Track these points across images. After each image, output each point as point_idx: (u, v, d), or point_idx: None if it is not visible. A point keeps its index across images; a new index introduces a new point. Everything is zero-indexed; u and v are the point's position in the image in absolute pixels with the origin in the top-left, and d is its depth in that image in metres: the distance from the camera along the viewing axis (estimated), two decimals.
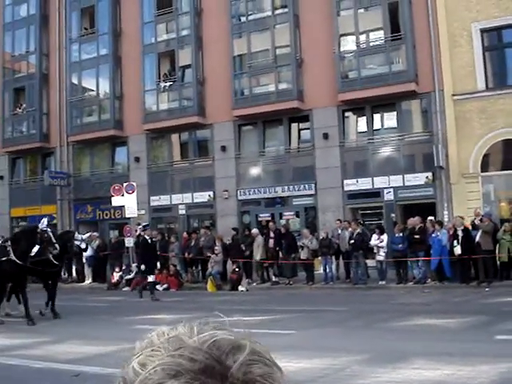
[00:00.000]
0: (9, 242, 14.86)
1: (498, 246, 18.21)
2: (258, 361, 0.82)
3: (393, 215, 21.21)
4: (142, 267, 19.27)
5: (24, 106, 30.58)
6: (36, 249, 14.65)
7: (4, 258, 14.30)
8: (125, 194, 23.52)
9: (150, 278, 19.27)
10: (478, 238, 18.25)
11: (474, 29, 21.58)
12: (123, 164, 28.87)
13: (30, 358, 9.53)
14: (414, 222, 19.80)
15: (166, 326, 0.88)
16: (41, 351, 10.33)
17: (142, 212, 25.42)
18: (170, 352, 0.80)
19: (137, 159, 27.56)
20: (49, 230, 14.91)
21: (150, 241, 19.77)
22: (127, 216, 24.14)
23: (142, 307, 16.08)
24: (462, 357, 8.20)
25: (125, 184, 24.04)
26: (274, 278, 21.59)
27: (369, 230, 21.26)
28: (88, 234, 18.88)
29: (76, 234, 16.54)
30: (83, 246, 16.89)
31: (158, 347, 0.82)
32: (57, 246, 14.47)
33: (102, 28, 28.70)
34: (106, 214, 28.13)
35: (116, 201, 24.02)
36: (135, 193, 23.50)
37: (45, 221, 15.23)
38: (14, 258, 14.20)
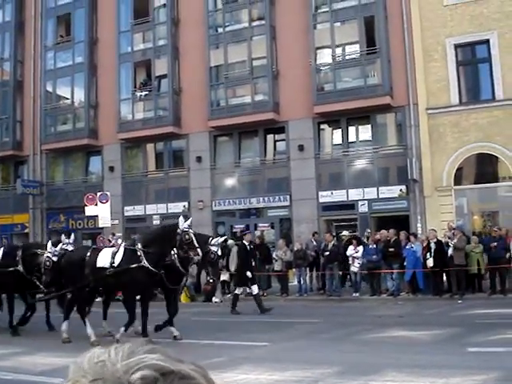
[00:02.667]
0: (139, 245, 12.11)
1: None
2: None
3: (368, 230, 21.28)
4: (248, 274, 16.63)
5: None
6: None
7: (134, 265, 11.78)
8: (98, 203, 23.32)
9: (238, 291, 17.05)
10: (450, 252, 18.40)
11: (449, 44, 21.88)
12: (97, 173, 28.63)
13: (1, 370, 9.34)
14: (385, 234, 19.91)
15: (99, 348, 0.86)
16: (12, 362, 10.14)
17: (116, 222, 25.22)
18: (92, 381, 0.79)
19: (111, 169, 27.35)
20: (191, 230, 11.99)
21: (248, 247, 17.48)
22: (100, 226, 23.93)
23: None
24: (435, 369, 8.21)
25: (98, 193, 23.85)
26: (247, 290, 21.51)
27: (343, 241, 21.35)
28: (222, 239, 15.02)
29: (212, 239, 13.63)
30: (219, 252, 13.66)
31: (85, 373, 0.81)
32: (199, 251, 11.71)
33: (77, 36, 28.51)
34: (79, 224, 27.84)
35: (89, 210, 23.80)
36: (109, 202, 23.31)
37: (183, 219, 12.15)
38: (146, 264, 11.66)
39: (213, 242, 13.10)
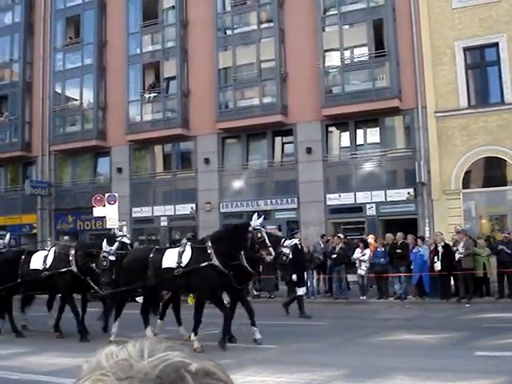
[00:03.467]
0: (209, 243, 11.42)
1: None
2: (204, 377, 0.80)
3: (371, 236, 21.21)
4: (294, 277, 16.01)
5: (6, 114, 30.34)
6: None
7: (204, 264, 11.16)
8: (106, 204, 23.35)
9: (300, 291, 16.12)
10: (457, 257, 18.32)
11: (457, 47, 21.83)
12: (105, 175, 28.71)
13: (8, 370, 9.38)
14: (390, 237, 19.85)
15: (114, 346, 0.85)
16: (18, 362, 10.18)
17: (124, 223, 25.26)
18: (120, 379, 0.78)
19: (119, 170, 27.42)
20: (263, 229, 11.40)
21: (300, 247, 16.72)
22: (108, 227, 23.94)
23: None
24: (442, 373, 8.20)
25: (106, 195, 23.88)
26: (254, 292, 21.50)
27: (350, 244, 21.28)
28: (294, 241, 14.84)
29: (284, 241, 12.94)
30: (291, 255, 12.83)
31: (106, 371, 0.80)
32: (271, 250, 11.09)
33: (87, 38, 28.62)
34: (87, 225, 27.92)
35: (97, 211, 23.84)
36: (117, 204, 23.35)
37: (256, 217, 11.49)
38: (217, 263, 11.05)
39: (286, 244, 12.56)
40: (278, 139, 25.36)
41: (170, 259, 11.58)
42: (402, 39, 22.67)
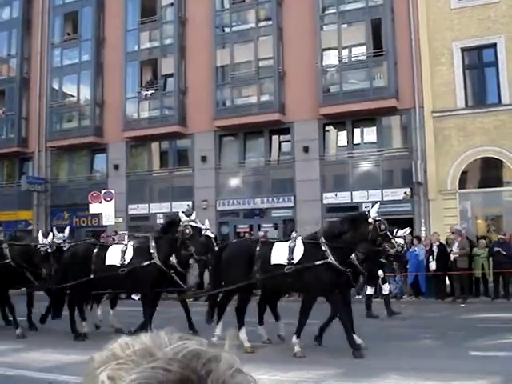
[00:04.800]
0: (322, 238, 10.24)
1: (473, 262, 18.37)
2: (233, 371, 0.80)
3: None
4: (380, 273, 14.91)
5: (3, 109, 30.26)
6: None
7: (320, 262, 10.06)
8: (103, 201, 23.34)
9: (370, 291, 15.13)
10: (452, 257, 18.37)
11: (455, 47, 21.86)
12: (102, 171, 28.66)
13: (2, 366, 9.36)
14: None
15: (127, 337, 0.85)
16: (14, 358, 10.16)
17: (120, 220, 25.25)
18: (143, 365, 0.77)
19: (116, 167, 27.39)
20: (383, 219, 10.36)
21: None
22: (104, 224, 23.96)
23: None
24: (437, 372, 8.21)
25: (103, 191, 23.88)
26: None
27: None
28: (408, 230, 13.83)
29: (397, 231, 11.99)
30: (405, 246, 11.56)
31: (125, 360, 0.79)
32: (395, 242, 10.34)
33: (84, 34, 28.57)
34: (83, 221, 27.87)
35: (93, 208, 23.83)
36: (113, 200, 23.33)
37: (376, 207, 10.48)
38: (333, 261, 10.00)
39: (399, 234, 11.61)
40: (275, 137, 25.36)
41: (279, 255, 10.48)
42: (400, 39, 22.69)
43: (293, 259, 10.24)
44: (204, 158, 25.56)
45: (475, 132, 21.28)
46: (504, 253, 18.09)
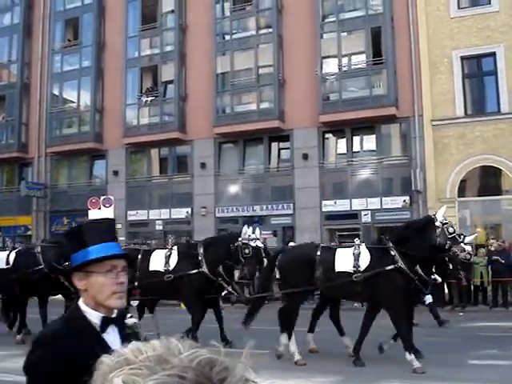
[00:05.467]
0: (390, 243, 9.91)
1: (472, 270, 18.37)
2: (245, 381, 0.82)
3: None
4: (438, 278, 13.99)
5: (3, 115, 30.29)
6: None
7: (390, 267, 9.76)
8: (102, 207, 23.34)
9: (430, 298, 14.34)
10: (451, 266, 18.34)
11: (455, 56, 21.93)
12: (101, 177, 28.67)
13: (2, 371, 9.36)
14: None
15: (139, 343, 0.86)
16: (13, 364, 10.14)
17: (119, 226, 25.23)
18: (158, 372, 0.78)
19: (115, 173, 27.40)
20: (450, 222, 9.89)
21: None
22: None
23: None
24: (435, 380, 8.22)
25: (102, 197, 23.87)
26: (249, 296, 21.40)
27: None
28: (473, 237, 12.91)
29: (465, 237, 11.00)
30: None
31: (139, 366, 0.80)
32: (465, 246, 9.85)
33: (85, 40, 28.63)
34: None
35: (93, 214, 23.80)
36: (112, 207, 23.33)
37: (442, 210, 9.99)
38: (403, 266, 9.61)
39: (467, 240, 10.88)
40: (274, 145, 25.39)
41: (345, 262, 9.96)
42: (400, 47, 22.76)
43: (359, 266, 9.83)
44: (203, 165, 25.58)
45: (474, 140, 21.33)
46: (503, 261, 18.11)
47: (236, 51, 25.28)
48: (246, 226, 11.70)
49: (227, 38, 25.83)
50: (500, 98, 21.30)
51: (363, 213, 22.85)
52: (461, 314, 17.08)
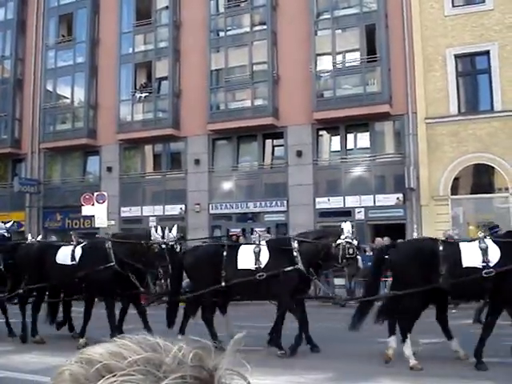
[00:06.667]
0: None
1: None
2: (232, 372, 0.81)
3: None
4: None
5: None
6: None
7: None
8: (95, 203, 23.30)
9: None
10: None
11: (449, 54, 21.97)
12: (95, 173, 28.64)
13: None
14: (380, 242, 19.90)
15: (101, 345, 0.79)
16: (3, 360, 10.14)
17: (112, 222, 25.19)
18: (158, 375, 0.73)
19: (109, 169, 27.35)
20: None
21: None
22: (97, 226, 23.90)
23: None
24: (430, 378, 8.25)
25: (96, 193, 23.83)
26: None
27: None
28: None
29: None
30: None
31: (128, 372, 0.73)
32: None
33: (79, 36, 28.56)
34: (76, 223, 27.80)
35: (86, 210, 23.78)
36: (106, 203, 23.30)
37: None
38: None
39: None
40: (268, 142, 25.40)
41: (471, 256, 9.23)
42: (394, 45, 22.79)
43: (489, 261, 9.07)
44: (197, 162, 25.57)
45: (468, 138, 21.39)
46: None
47: (230, 48, 25.27)
48: (346, 223, 10.61)
49: (221, 34, 25.81)
50: (493, 96, 21.36)
51: (357, 210, 22.89)
52: (454, 311, 17.09)
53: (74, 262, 11.55)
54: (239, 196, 25.00)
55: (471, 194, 21.67)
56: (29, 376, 8.78)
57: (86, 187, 26.80)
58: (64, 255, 11.81)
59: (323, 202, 23.46)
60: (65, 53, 28.88)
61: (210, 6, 25.86)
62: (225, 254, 10.70)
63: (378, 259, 10.51)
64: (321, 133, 24.38)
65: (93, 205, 23.42)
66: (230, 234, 24.86)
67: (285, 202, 24.03)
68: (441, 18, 22.25)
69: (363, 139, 23.73)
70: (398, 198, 22.33)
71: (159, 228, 11.45)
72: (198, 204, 25.25)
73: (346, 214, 23.08)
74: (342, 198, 23.15)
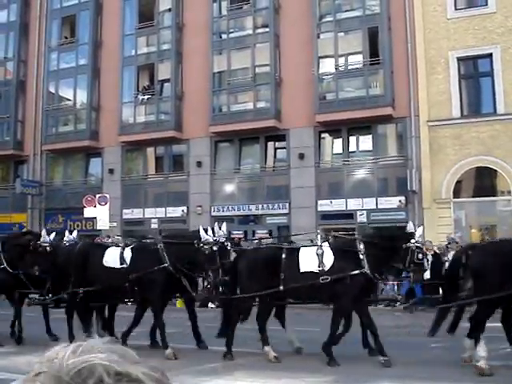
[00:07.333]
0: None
1: None
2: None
3: None
4: None
5: None
6: None
7: None
8: (97, 205, 23.31)
9: None
10: (447, 266, 18.33)
11: (451, 57, 21.95)
12: (97, 175, 28.64)
13: None
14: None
15: (62, 345, 0.85)
16: (5, 362, 10.12)
17: (114, 224, 25.20)
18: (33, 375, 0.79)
19: (111, 171, 27.36)
20: None
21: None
22: (99, 228, 23.91)
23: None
24: (432, 380, 8.21)
25: (98, 195, 23.85)
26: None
27: None
28: None
29: None
30: None
31: (37, 369, 0.82)
32: None
33: (82, 38, 28.59)
34: (77, 225, 27.73)
35: (88, 212, 23.79)
36: (108, 205, 23.30)
37: None
38: None
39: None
40: (270, 144, 25.39)
41: None
42: (397, 48, 22.78)
43: None
44: (199, 164, 25.57)
45: (470, 141, 21.36)
46: None
47: (233, 50, 25.27)
48: (411, 223, 10.15)
49: (224, 36, 25.81)
50: (496, 99, 21.33)
51: (359, 213, 22.86)
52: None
53: (124, 265, 10.94)
54: (241, 198, 24.99)
55: (473, 196, 21.62)
56: None
57: (88, 189, 26.81)
58: (112, 258, 11.20)
59: (325, 205, 23.44)
60: (67, 55, 28.90)
61: (213, 8, 25.87)
62: (283, 256, 10.09)
63: (455, 261, 10.08)
64: (323, 135, 24.36)
65: (95, 207, 23.44)
66: (232, 236, 24.87)
67: (287, 204, 24.01)
68: (443, 20, 22.23)
69: (365, 142, 23.70)
70: (400, 201, 22.29)
71: (209, 228, 10.85)
72: (200, 206, 25.24)
73: (348, 216, 23.08)
74: (344, 200, 23.12)
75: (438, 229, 21.03)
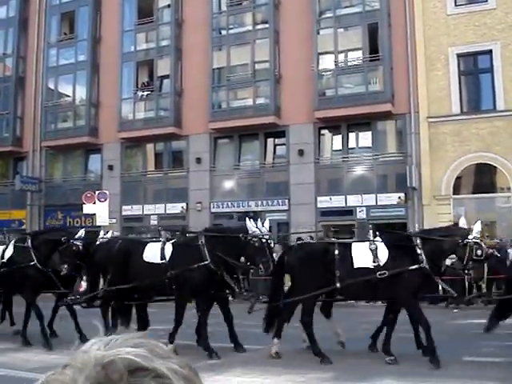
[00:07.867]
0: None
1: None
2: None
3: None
4: None
5: None
6: None
7: None
8: (97, 201, 23.28)
9: None
10: (449, 262, 18.33)
11: (451, 53, 21.93)
12: (96, 172, 28.61)
13: None
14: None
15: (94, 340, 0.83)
16: (4, 358, 10.12)
17: (113, 221, 25.18)
18: (58, 369, 0.80)
19: (110, 167, 27.34)
20: None
21: None
22: (98, 224, 23.83)
23: None
24: (430, 377, 8.21)
25: (97, 192, 23.81)
26: (244, 293, 21.36)
27: None
28: None
29: None
30: None
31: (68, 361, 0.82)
32: None
33: (81, 34, 28.54)
34: (77, 222, 27.76)
35: (87, 208, 23.76)
36: (107, 201, 23.27)
37: None
38: None
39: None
40: (270, 140, 25.37)
41: None
42: (397, 44, 22.75)
43: None
44: (199, 160, 25.55)
45: (470, 138, 21.35)
46: (498, 255, 18.08)
47: (232, 46, 25.23)
48: (462, 220, 9.87)
49: (223, 33, 25.78)
50: (496, 95, 21.32)
51: (358, 209, 22.86)
52: (455, 311, 17.09)
53: (164, 261, 10.56)
54: (241, 195, 24.98)
55: (473, 193, 21.62)
56: (30, 374, 8.75)
57: (88, 185, 26.78)
58: (153, 253, 10.83)
59: (325, 201, 23.43)
60: (66, 51, 28.86)
61: (212, 4, 25.82)
62: (336, 252, 9.75)
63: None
64: (323, 132, 24.35)
65: (94, 203, 23.40)
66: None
67: (286, 200, 24.00)
68: (443, 17, 22.21)
69: (365, 138, 23.68)
70: (399, 198, 22.29)
71: (252, 221, 10.52)
72: (200, 202, 25.23)
73: (348, 213, 23.09)
74: (343, 197, 23.12)
75: (438, 225, 20.98)
